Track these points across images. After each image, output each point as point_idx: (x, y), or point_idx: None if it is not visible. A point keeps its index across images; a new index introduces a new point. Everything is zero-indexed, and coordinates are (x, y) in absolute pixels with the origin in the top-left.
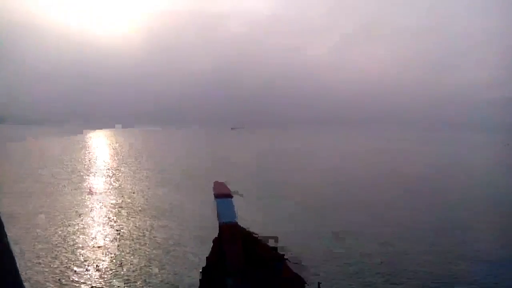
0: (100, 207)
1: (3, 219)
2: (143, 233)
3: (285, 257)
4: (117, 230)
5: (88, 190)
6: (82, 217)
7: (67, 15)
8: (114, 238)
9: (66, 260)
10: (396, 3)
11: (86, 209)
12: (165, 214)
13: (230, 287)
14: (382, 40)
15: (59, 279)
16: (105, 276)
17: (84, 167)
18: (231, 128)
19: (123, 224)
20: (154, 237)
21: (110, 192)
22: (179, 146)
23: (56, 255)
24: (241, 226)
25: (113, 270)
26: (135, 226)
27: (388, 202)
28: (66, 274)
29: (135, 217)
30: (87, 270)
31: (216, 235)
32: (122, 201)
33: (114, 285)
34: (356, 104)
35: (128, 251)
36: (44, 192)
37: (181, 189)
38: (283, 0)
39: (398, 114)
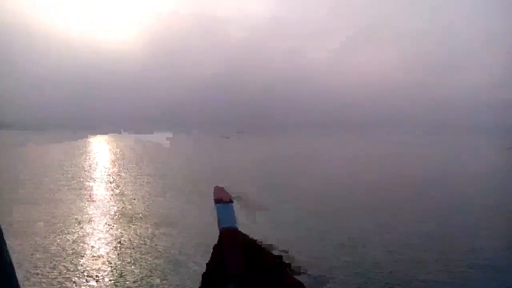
0: (100, 214)
1: (2, 227)
2: (144, 241)
3: (286, 263)
4: (117, 239)
5: (88, 197)
6: (81, 225)
7: (69, 20)
8: (114, 247)
9: (65, 270)
10: (398, 6)
11: (86, 217)
12: (167, 221)
13: None
14: (383, 43)
15: None
16: (105, 287)
17: (84, 173)
18: (237, 132)
19: (123, 232)
20: (155, 245)
21: (110, 198)
22: (181, 150)
23: (55, 265)
24: (242, 231)
25: (114, 281)
26: (136, 234)
27: (394, 207)
28: (64, 285)
29: (136, 224)
30: (86, 281)
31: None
32: (122, 207)
33: None
34: (357, 107)
35: (129, 260)
36: (43, 199)
37: (182, 195)
38: (284, 3)
39: (400, 117)
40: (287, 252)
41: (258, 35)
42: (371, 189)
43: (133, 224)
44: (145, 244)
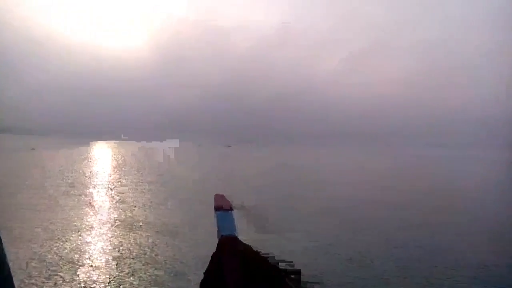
0: (100, 222)
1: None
2: (144, 250)
3: (286, 272)
4: (116, 248)
5: (88, 203)
6: (80, 232)
7: (73, 26)
8: (113, 256)
9: (60, 281)
10: (408, 17)
11: (85, 224)
12: (168, 229)
13: None
14: (393, 52)
15: None
16: None
17: (85, 179)
18: (227, 146)
19: (123, 240)
20: (155, 255)
21: (110, 206)
22: (184, 158)
23: (50, 274)
24: (241, 240)
25: None
26: (136, 243)
27: (402, 220)
28: None
29: (136, 233)
30: None
31: None
32: (123, 215)
33: None
34: (365, 118)
35: (127, 271)
36: (42, 205)
37: (184, 203)
38: (292, 13)
39: (406, 129)
40: (292, 265)
41: (265, 45)
42: (380, 201)
43: (133, 233)
44: (145, 254)
